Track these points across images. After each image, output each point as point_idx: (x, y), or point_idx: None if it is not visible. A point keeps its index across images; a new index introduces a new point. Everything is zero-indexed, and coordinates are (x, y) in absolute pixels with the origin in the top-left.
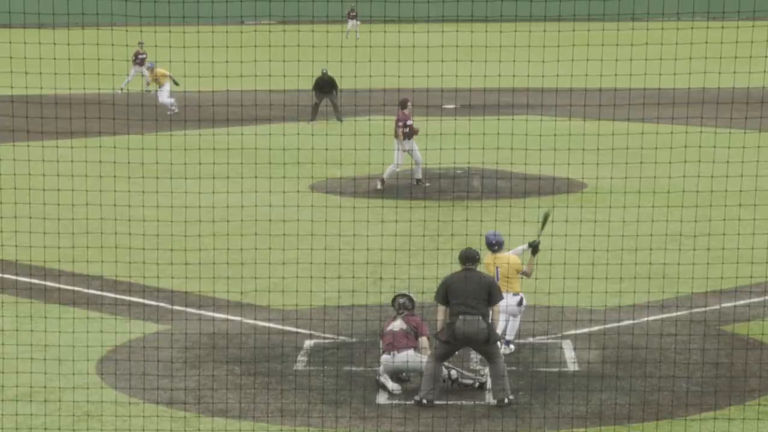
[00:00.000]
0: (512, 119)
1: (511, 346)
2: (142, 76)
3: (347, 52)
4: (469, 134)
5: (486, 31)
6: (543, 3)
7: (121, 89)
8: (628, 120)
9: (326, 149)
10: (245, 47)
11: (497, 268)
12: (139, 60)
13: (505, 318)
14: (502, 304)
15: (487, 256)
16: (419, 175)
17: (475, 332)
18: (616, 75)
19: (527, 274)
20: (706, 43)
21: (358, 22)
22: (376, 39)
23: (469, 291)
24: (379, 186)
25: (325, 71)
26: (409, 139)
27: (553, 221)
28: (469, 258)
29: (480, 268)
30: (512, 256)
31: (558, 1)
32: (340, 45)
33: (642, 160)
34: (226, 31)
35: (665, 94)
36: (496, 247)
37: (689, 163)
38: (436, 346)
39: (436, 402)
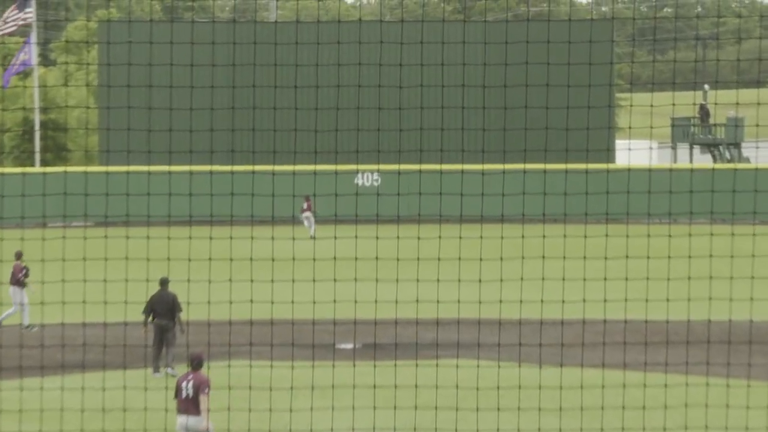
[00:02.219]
0: (436, 364)
1: None
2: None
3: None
4: (374, 387)
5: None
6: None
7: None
8: (603, 366)
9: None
10: None
11: None
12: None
13: None
14: None
15: None
16: None
17: None
18: (584, 301)
19: None
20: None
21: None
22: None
23: None
24: None
25: (165, 279)
26: None
27: None
28: None
29: None
30: None
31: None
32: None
33: (624, 426)
34: None
35: (657, 327)
36: None
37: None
38: None
39: None
